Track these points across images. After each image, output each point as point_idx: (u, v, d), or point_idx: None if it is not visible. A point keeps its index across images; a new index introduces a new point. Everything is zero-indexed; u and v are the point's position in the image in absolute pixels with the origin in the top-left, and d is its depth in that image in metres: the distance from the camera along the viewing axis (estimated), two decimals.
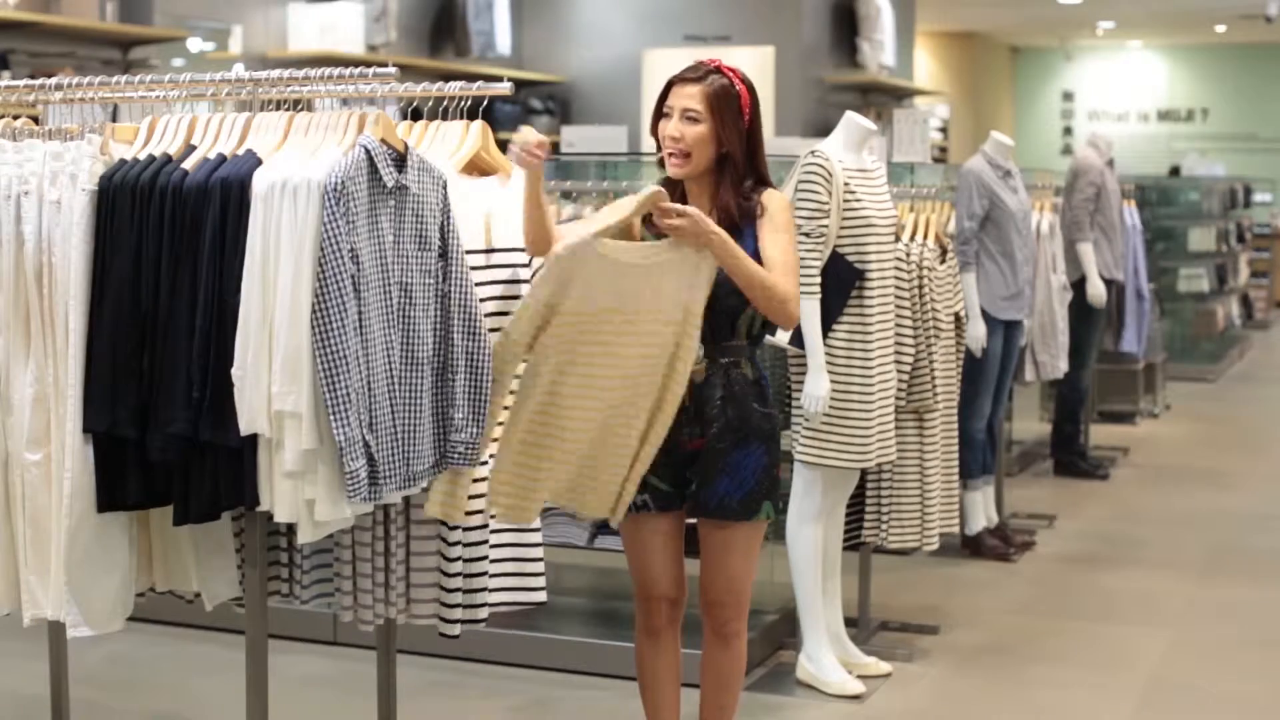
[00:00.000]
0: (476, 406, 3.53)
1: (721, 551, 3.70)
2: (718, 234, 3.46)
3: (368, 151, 3.35)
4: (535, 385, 3.54)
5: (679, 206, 3.45)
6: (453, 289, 3.51)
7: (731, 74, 3.63)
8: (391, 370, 3.42)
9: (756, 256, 3.59)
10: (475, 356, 3.51)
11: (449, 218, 3.52)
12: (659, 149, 3.64)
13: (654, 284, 3.49)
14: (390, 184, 3.37)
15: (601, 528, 5.14)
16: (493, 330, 3.64)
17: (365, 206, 3.33)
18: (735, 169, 3.62)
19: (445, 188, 3.53)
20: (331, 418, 3.25)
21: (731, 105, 3.59)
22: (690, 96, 3.58)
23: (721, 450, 3.61)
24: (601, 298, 3.50)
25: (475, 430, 3.54)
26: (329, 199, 3.26)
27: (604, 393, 3.52)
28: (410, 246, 3.45)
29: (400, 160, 3.42)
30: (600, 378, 3.52)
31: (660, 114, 3.62)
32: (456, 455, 3.53)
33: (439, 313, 3.50)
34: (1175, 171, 17.14)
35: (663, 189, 3.51)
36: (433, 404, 3.50)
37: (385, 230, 3.39)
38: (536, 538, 3.87)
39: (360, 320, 3.31)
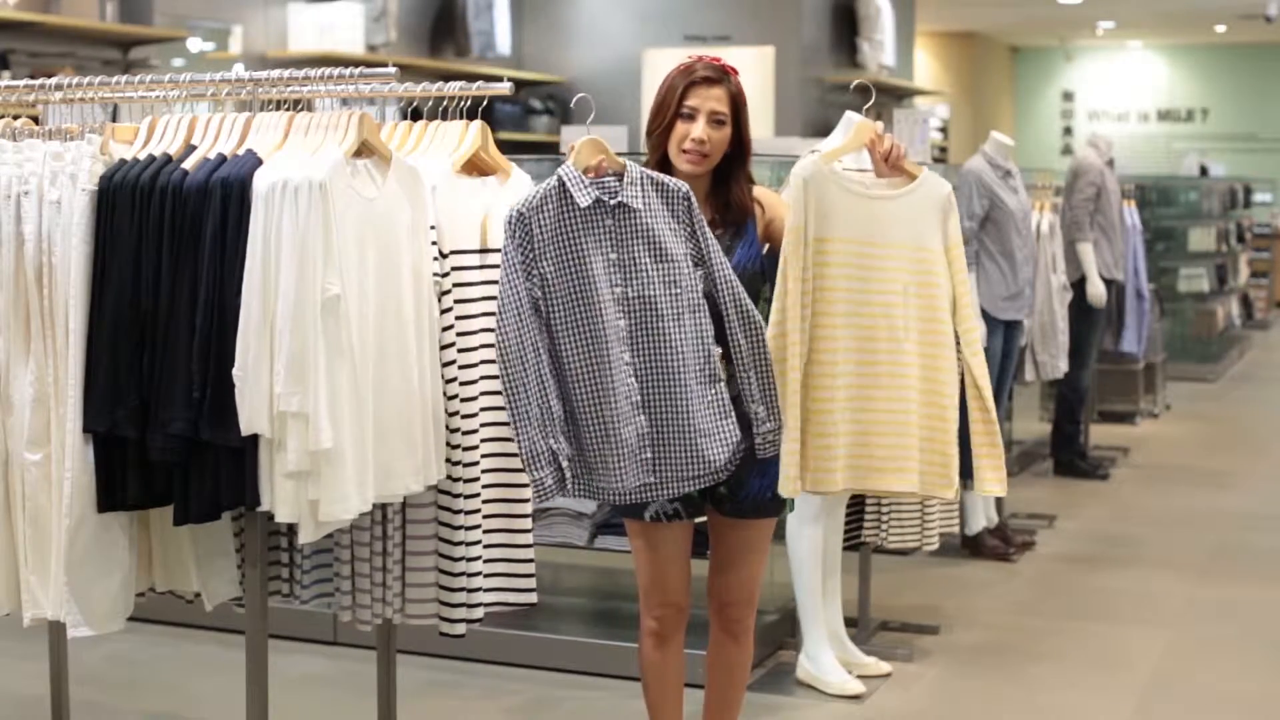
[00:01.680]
0: (769, 397, 3.53)
1: (746, 550, 3.74)
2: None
3: (560, 180, 3.43)
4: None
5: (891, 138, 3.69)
6: (719, 292, 3.49)
7: (733, 72, 3.65)
8: (608, 385, 3.42)
9: (759, 250, 3.66)
10: (758, 350, 3.51)
11: (698, 226, 3.48)
12: (656, 146, 3.62)
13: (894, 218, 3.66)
14: (585, 204, 3.41)
15: (602, 528, 5.13)
16: (485, 330, 3.65)
17: (555, 232, 3.42)
18: (745, 166, 3.66)
19: (690, 202, 3.48)
20: (515, 432, 3.41)
21: (746, 106, 3.63)
22: (717, 100, 3.57)
23: (750, 449, 3.61)
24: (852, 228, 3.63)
25: (776, 422, 3.54)
26: (506, 227, 3.41)
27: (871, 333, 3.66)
28: (646, 260, 3.44)
29: (617, 180, 3.44)
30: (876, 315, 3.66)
31: (677, 114, 3.58)
32: (768, 446, 3.55)
33: (698, 320, 3.47)
34: None
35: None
36: (706, 408, 3.46)
37: (600, 250, 3.43)
38: (527, 539, 3.87)
39: (554, 339, 3.42)
